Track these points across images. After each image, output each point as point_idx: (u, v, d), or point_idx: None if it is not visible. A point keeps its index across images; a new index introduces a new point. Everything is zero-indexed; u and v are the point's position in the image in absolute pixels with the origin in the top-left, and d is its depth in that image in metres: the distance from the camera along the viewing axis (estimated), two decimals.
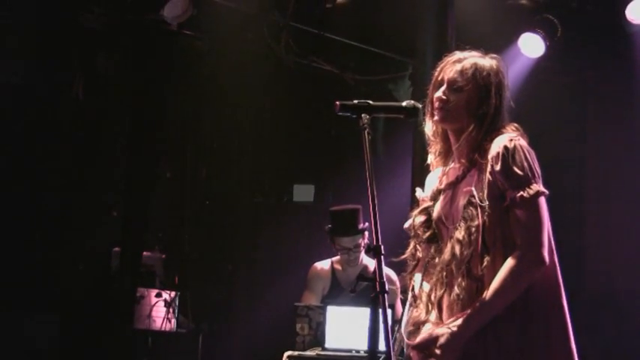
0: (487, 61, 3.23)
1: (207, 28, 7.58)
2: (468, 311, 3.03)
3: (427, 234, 3.27)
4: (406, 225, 3.39)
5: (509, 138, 3.09)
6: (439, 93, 3.21)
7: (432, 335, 3.09)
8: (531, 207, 3.03)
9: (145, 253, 7.43)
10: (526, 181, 3.04)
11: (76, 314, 6.89)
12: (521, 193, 3.02)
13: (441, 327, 3.09)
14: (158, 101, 7.72)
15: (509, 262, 3.01)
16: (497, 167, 3.05)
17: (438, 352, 3.05)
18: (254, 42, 7.69)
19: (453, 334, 3.04)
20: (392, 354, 2.72)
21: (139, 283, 7.21)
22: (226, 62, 7.73)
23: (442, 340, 3.06)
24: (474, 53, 3.26)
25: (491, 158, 3.07)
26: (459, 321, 3.04)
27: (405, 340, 3.24)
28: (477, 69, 3.18)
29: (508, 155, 3.05)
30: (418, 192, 3.41)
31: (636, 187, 7.54)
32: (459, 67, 3.21)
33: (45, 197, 6.79)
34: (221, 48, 7.71)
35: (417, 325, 3.20)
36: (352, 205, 6.10)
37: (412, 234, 3.31)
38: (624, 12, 6.99)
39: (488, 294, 3.01)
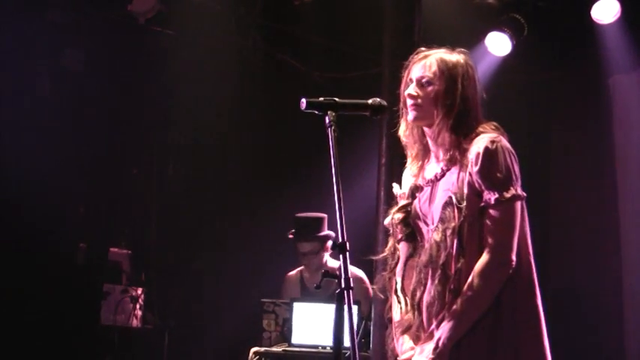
0: (454, 55, 3.26)
1: (175, 24, 7.56)
2: (448, 321, 3.04)
3: (405, 232, 3.29)
4: (386, 221, 3.39)
5: (490, 139, 3.10)
6: (409, 90, 3.23)
7: (420, 354, 3.12)
8: (505, 210, 3.05)
9: (111, 249, 7.40)
10: (503, 184, 3.05)
11: (42, 311, 6.84)
12: (497, 195, 3.04)
13: (427, 344, 3.10)
14: (125, 97, 7.68)
15: (478, 266, 3.03)
16: (476, 168, 3.07)
17: None
18: (222, 38, 7.68)
19: (438, 348, 3.05)
20: (356, 350, 2.73)
21: (106, 279, 7.18)
22: (194, 58, 7.70)
23: (429, 355, 3.07)
24: (441, 49, 3.29)
25: (471, 159, 3.09)
26: (441, 334, 3.05)
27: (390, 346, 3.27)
28: (442, 62, 3.22)
29: (488, 157, 3.06)
30: (395, 188, 3.42)
31: (600, 184, 7.60)
32: (425, 62, 3.24)
33: (11, 193, 6.72)
34: (189, 44, 7.69)
35: (404, 328, 3.22)
36: (317, 214, 6.17)
37: (391, 231, 3.33)
38: (590, 12, 7.05)
39: (462, 301, 3.03)
